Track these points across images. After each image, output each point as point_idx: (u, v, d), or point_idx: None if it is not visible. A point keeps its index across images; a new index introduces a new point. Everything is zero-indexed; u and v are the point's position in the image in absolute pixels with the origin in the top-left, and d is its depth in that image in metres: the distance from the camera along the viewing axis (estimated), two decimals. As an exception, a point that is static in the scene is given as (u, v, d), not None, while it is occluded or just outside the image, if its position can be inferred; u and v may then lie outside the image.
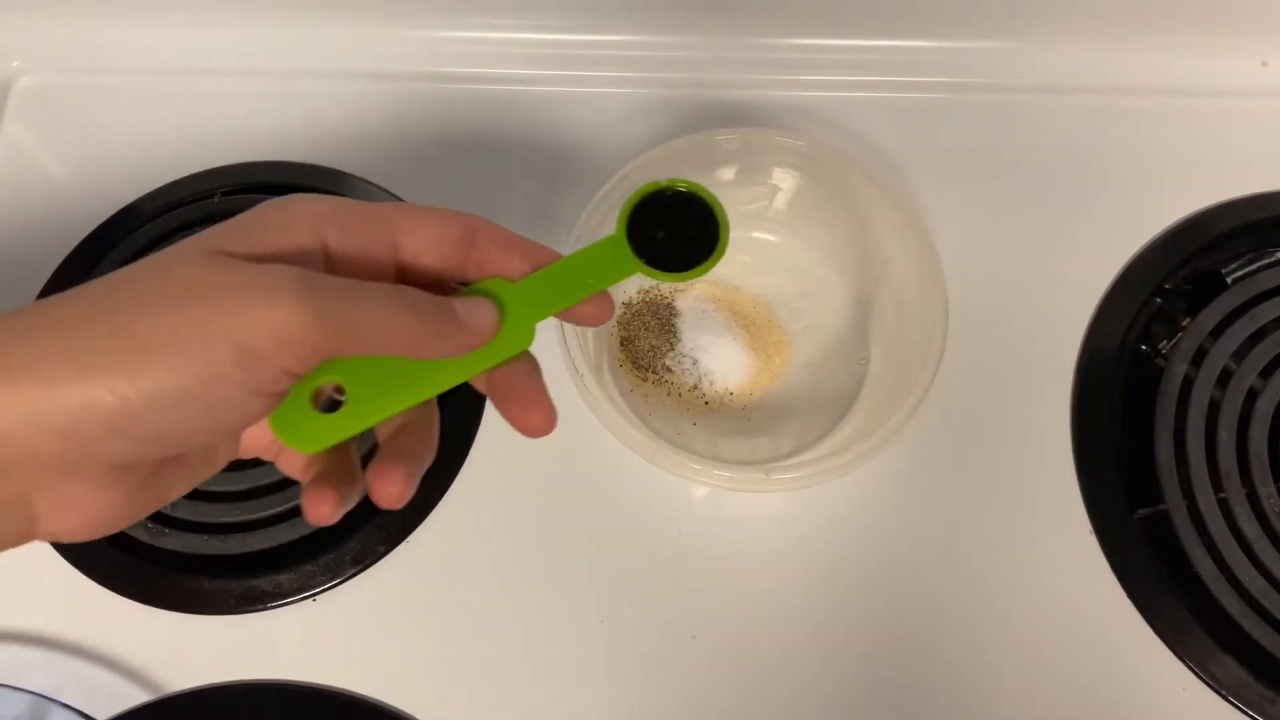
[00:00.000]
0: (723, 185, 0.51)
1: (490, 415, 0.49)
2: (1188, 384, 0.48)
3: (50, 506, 0.24)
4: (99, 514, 0.25)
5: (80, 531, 0.25)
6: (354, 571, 0.46)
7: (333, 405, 0.26)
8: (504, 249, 0.28)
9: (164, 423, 0.23)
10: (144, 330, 0.22)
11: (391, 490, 0.28)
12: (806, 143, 0.48)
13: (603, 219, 0.46)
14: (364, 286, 0.25)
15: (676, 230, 0.31)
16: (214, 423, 0.24)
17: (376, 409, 0.27)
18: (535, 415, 0.28)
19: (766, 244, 0.53)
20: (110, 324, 0.22)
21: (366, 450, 0.43)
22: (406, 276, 0.28)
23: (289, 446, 0.26)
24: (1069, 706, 0.44)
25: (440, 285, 0.28)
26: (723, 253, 0.30)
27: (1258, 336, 0.49)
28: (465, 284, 0.29)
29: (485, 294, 0.28)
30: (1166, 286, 0.52)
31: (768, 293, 0.52)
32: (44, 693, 0.42)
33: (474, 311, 0.27)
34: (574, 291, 0.29)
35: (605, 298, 0.30)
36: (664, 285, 0.52)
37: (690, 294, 0.52)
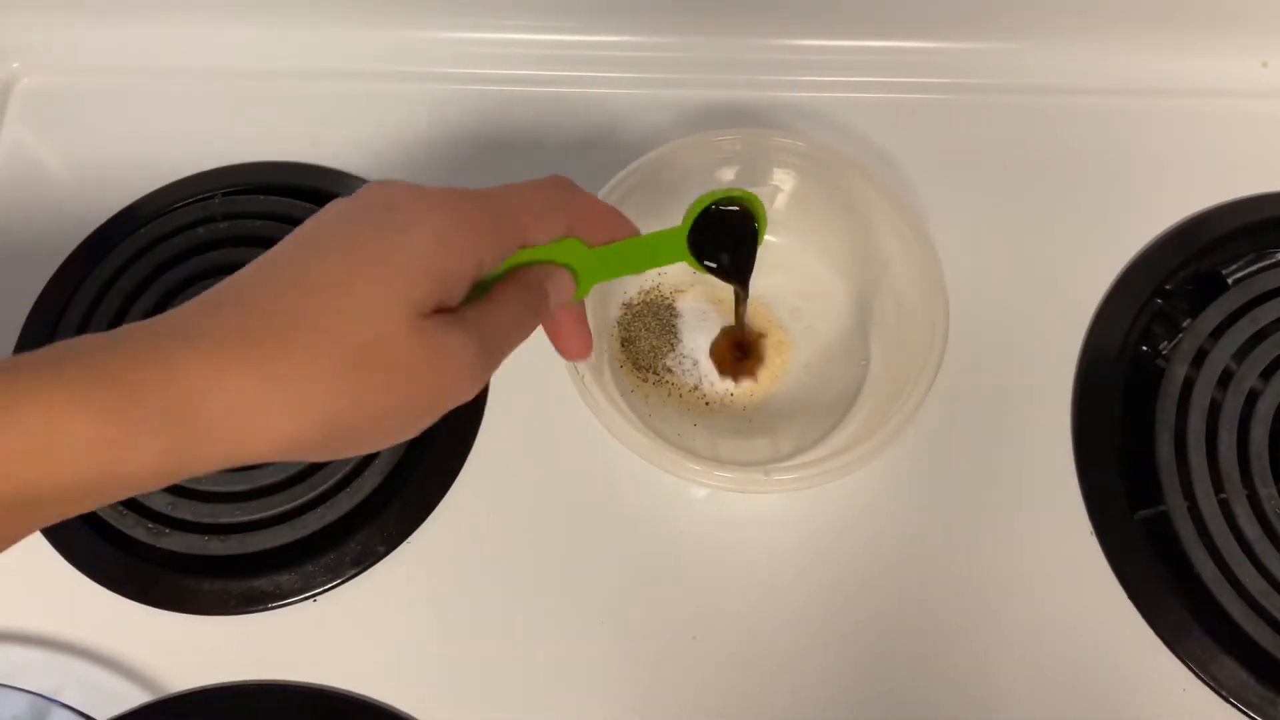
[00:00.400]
0: (722, 186, 0.51)
1: (490, 417, 0.49)
2: (1188, 385, 0.48)
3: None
4: None
5: None
6: (354, 572, 0.46)
7: None
8: (593, 222, 0.34)
9: (357, 446, 0.29)
10: (377, 405, 0.27)
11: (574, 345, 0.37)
12: (806, 143, 0.48)
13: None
14: (500, 322, 0.30)
15: (725, 232, 0.37)
16: (385, 444, 0.30)
17: None
18: (577, 345, 0.36)
19: (767, 244, 0.52)
20: (354, 394, 0.26)
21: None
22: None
23: None
24: (1069, 707, 0.44)
25: None
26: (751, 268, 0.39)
27: (1259, 337, 0.49)
28: None
29: (564, 265, 0.33)
30: (1167, 287, 0.52)
31: (768, 293, 0.52)
32: (44, 693, 0.42)
33: (562, 293, 0.33)
34: (633, 266, 0.35)
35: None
36: (664, 286, 0.52)
37: (690, 295, 0.52)
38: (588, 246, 0.33)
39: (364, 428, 0.27)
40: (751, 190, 0.50)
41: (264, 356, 0.25)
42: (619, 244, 0.34)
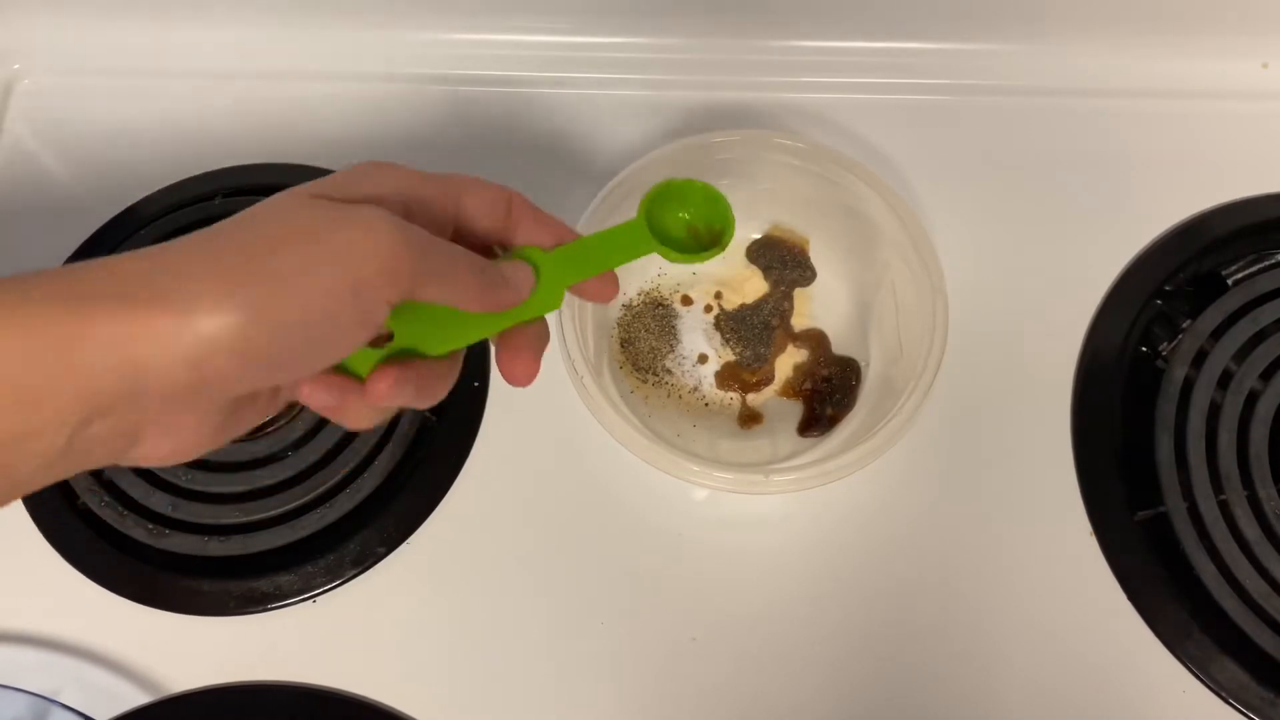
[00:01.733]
0: (722, 187, 0.50)
1: (490, 417, 0.49)
2: (1188, 386, 0.48)
3: (154, 435, 0.26)
4: (188, 443, 0.27)
5: (161, 460, 0.27)
6: (354, 573, 0.46)
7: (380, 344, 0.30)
8: (534, 221, 0.32)
9: (284, 351, 0.25)
10: (271, 268, 0.25)
11: (519, 369, 0.32)
12: (806, 144, 0.48)
13: (604, 220, 0.46)
14: (434, 241, 0.28)
15: (689, 225, 0.34)
16: (323, 351, 0.27)
17: (420, 349, 0.30)
18: (521, 369, 0.32)
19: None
20: (242, 261, 0.25)
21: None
22: (460, 236, 0.31)
23: (344, 365, 0.29)
24: (1069, 708, 0.44)
25: (484, 249, 0.32)
26: (728, 240, 0.34)
27: (1258, 338, 0.49)
28: (504, 250, 0.33)
29: (524, 259, 0.32)
30: (1167, 288, 0.52)
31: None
32: (44, 693, 0.42)
33: (517, 273, 0.31)
34: (598, 264, 0.32)
35: (613, 277, 0.33)
36: (664, 287, 0.52)
37: (690, 295, 0.52)
38: (544, 250, 0.32)
39: (268, 291, 0.24)
40: (751, 190, 0.50)
41: (184, 244, 0.25)
42: (576, 243, 0.32)
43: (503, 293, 0.30)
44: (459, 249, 0.29)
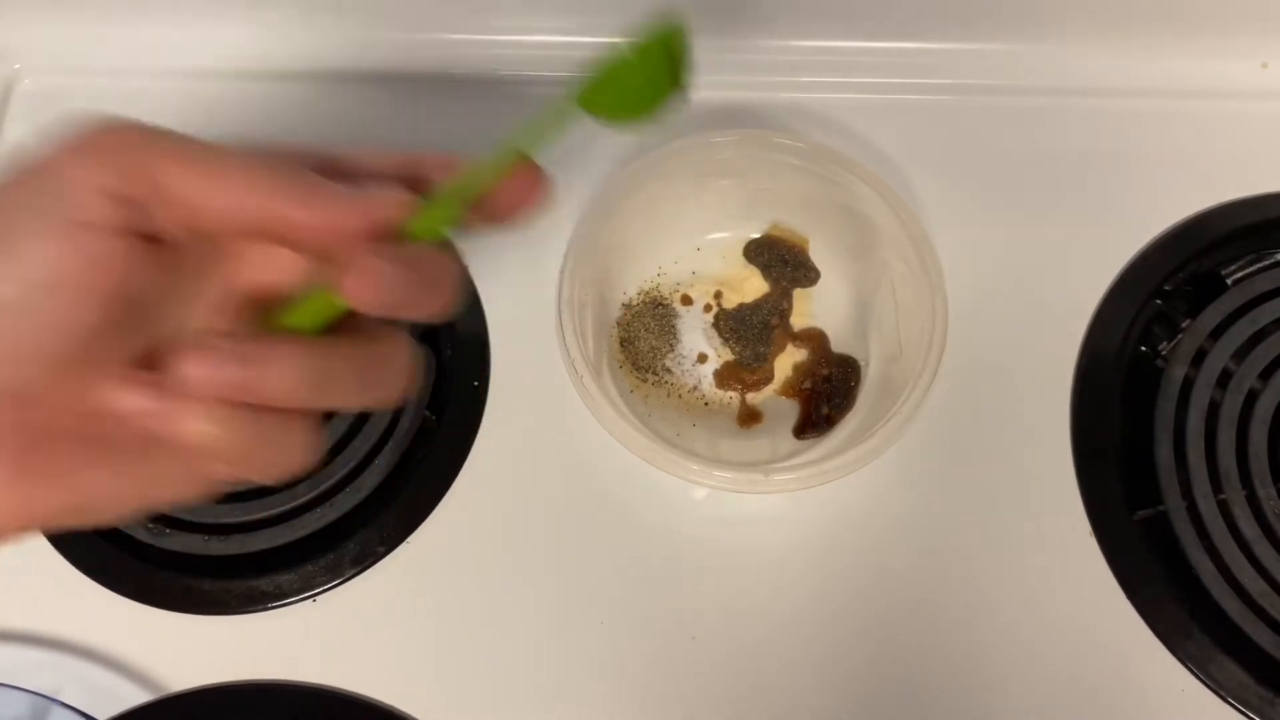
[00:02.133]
0: (722, 187, 0.51)
1: (490, 417, 0.49)
2: (1187, 385, 0.48)
3: None
4: (20, 479, 0.22)
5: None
6: (354, 572, 0.46)
7: None
8: (435, 168, 0.27)
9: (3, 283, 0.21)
10: None
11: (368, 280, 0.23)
12: (806, 144, 0.48)
13: (604, 219, 0.46)
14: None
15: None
16: (40, 267, 0.22)
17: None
18: (369, 280, 0.24)
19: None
20: None
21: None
22: None
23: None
24: (1068, 708, 0.44)
25: None
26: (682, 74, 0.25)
27: (1258, 338, 0.49)
28: None
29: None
30: (1166, 288, 0.52)
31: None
32: (44, 693, 0.42)
33: (373, 186, 0.24)
34: (510, 156, 0.25)
35: (535, 171, 0.25)
36: (664, 286, 0.52)
37: (691, 294, 0.52)
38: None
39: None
40: (750, 190, 0.49)
41: None
42: (492, 156, 0.25)
43: (330, 196, 0.23)
44: (253, 152, 0.23)
